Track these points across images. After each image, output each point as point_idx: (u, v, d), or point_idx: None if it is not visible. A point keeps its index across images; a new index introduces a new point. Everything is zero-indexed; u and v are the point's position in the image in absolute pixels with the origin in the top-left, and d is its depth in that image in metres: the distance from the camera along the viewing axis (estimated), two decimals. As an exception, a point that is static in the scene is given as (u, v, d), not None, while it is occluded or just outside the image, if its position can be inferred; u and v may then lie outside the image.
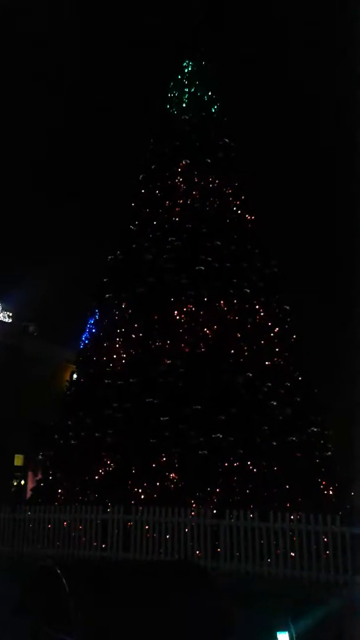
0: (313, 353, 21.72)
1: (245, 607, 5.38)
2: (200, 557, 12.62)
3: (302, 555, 11.84)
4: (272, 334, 18.00)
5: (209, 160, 19.93)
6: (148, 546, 13.35)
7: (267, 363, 17.22)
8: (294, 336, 19.12)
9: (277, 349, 17.79)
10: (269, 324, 18.20)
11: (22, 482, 30.92)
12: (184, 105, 21.47)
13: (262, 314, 18.19)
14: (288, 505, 13.80)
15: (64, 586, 4.50)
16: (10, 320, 33.20)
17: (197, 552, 12.85)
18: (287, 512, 12.35)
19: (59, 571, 4.68)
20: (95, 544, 14.24)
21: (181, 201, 19.16)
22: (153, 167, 20.65)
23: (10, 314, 33.22)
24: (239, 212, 19.71)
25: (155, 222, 19.13)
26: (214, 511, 13.36)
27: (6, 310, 32.98)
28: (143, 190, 20.46)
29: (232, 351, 16.82)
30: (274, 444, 16.02)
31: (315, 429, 17.63)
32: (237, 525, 12.58)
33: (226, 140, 21.02)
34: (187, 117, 20.96)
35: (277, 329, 18.29)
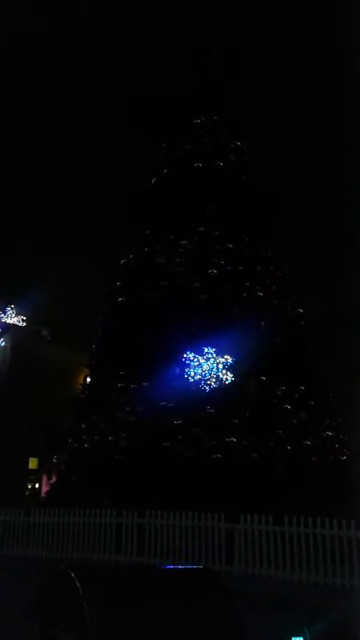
0: (328, 356, 21.62)
1: (259, 611, 5.34)
2: (215, 561, 12.56)
3: (317, 559, 11.73)
4: (286, 338, 17.91)
5: (221, 164, 19.94)
6: (162, 550, 13.30)
7: (280, 366, 17.13)
8: (308, 340, 19.03)
9: (291, 353, 17.70)
10: (283, 327, 18.12)
11: (37, 485, 31.02)
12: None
13: (275, 317, 18.11)
14: (303, 509, 13.69)
15: (77, 590, 4.50)
16: (25, 324, 33.38)
17: (211, 555, 12.79)
18: (302, 516, 12.25)
19: (72, 575, 4.68)
20: (109, 547, 14.22)
21: (193, 205, 19.15)
22: (166, 170, 20.68)
23: (25, 318, 33.41)
24: (251, 215, 19.67)
25: (167, 226, 19.15)
26: (229, 515, 13.29)
27: (20, 315, 33.17)
28: (155, 194, 20.50)
29: (245, 354, 16.75)
30: (288, 448, 15.94)
31: (330, 433, 17.52)
32: (252, 529, 12.50)
33: (238, 143, 21.01)
34: (199, 121, 20.98)
35: (290, 332, 18.21)
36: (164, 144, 21.54)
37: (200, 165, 19.87)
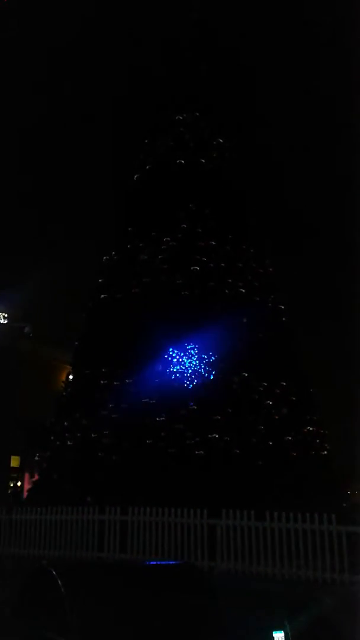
0: (309, 352, 21.80)
1: (241, 606, 5.38)
2: (197, 557, 12.62)
3: (298, 554, 11.84)
4: (267, 334, 18.00)
5: (204, 161, 19.95)
6: (145, 547, 13.34)
7: (262, 363, 17.22)
8: (290, 336, 19.16)
9: (272, 349, 17.79)
10: (265, 323, 18.21)
11: (19, 483, 30.88)
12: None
13: (257, 313, 18.19)
14: (284, 504, 13.80)
15: (59, 588, 4.51)
16: (6, 322, 33.16)
17: (194, 552, 12.85)
18: (284, 511, 12.36)
19: (54, 573, 4.68)
20: (92, 545, 14.21)
21: (176, 202, 19.14)
22: (148, 167, 20.65)
23: (6, 315, 33.19)
24: (234, 212, 19.72)
25: (150, 223, 19.13)
26: (211, 511, 13.35)
27: (1, 312, 32.94)
28: (137, 191, 20.47)
29: (228, 351, 16.82)
30: (270, 443, 16.04)
31: (311, 428, 17.67)
32: (234, 525, 12.58)
33: (220, 140, 21.03)
34: (180, 117, 20.96)
35: (272, 328, 18.31)
36: (145, 140, 21.49)
37: (183, 161, 19.86)
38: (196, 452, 15.24)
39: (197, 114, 21.17)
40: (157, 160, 20.44)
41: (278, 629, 4.79)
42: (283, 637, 4.76)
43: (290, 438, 16.53)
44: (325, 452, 17.95)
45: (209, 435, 15.50)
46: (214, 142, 20.81)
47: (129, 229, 19.74)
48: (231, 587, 9.41)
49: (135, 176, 20.86)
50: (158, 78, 23.13)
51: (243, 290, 18.11)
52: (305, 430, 17.42)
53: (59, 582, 4.52)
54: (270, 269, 19.82)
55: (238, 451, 15.49)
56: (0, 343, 31.40)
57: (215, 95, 22.41)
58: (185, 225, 18.56)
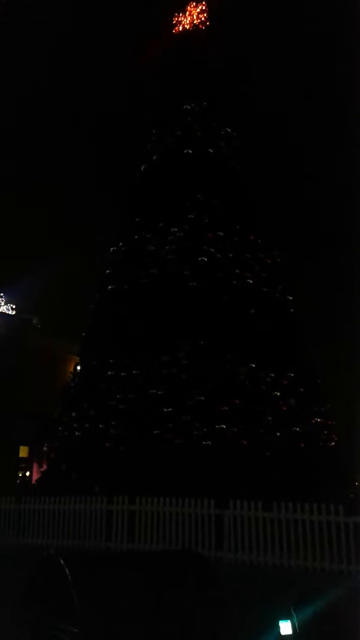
0: (317, 343, 21.74)
1: (248, 596, 5.40)
2: (204, 547, 12.66)
3: (305, 545, 11.85)
4: (275, 325, 17.97)
5: (211, 150, 19.85)
6: (153, 536, 13.39)
7: (270, 354, 17.19)
8: (297, 327, 19.11)
9: (280, 340, 17.76)
10: (272, 314, 18.17)
11: (27, 473, 31.05)
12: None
13: (265, 304, 18.15)
14: (292, 495, 13.81)
15: (67, 576, 4.53)
16: (14, 313, 33.23)
17: (201, 542, 12.89)
18: (291, 502, 12.36)
19: (62, 562, 4.70)
20: (99, 534, 14.28)
21: (183, 192, 19.07)
22: (155, 157, 20.57)
23: (14, 307, 33.25)
24: (242, 202, 19.63)
25: (157, 213, 19.07)
26: (218, 501, 13.37)
27: (9, 303, 33.00)
28: (144, 181, 20.40)
29: (235, 342, 16.80)
30: (278, 434, 16.04)
31: (318, 420, 17.65)
32: (241, 516, 12.60)
33: (228, 129, 20.91)
34: (188, 107, 20.85)
35: (280, 319, 18.27)
36: (153, 130, 21.41)
37: (190, 151, 19.77)
38: (203, 443, 15.26)
39: (205, 103, 21.05)
40: (165, 150, 20.36)
41: (285, 618, 4.80)
42: (290, 627, 4.76)
43: (298, 429, 16.53)
44: (333, 444, 17.94)
45: (217, 426, 15.51)
46: (222, 132, 20.70)
47: (136, 219, 19.69)
48: (238, 576, 9.46)
49: (142, 167, 20.79)
50: (166, 68, 22.99)
51: (251, 282, 18.06)
52: (313, 421, 17.41)
53: (67, 571, 4.54)
54: (278, 260, 19.74)
55: (245, 442, 15.51)
56: (8, 334, 31.47)
57: (222, 85, 22.28)
58: (192, 216, 18.50)
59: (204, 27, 22.97)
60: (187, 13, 23.28)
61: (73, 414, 17.96)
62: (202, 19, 23.11)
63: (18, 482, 29.85)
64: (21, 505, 15.85)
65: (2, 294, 32.94)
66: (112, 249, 20.07)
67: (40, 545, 14.54)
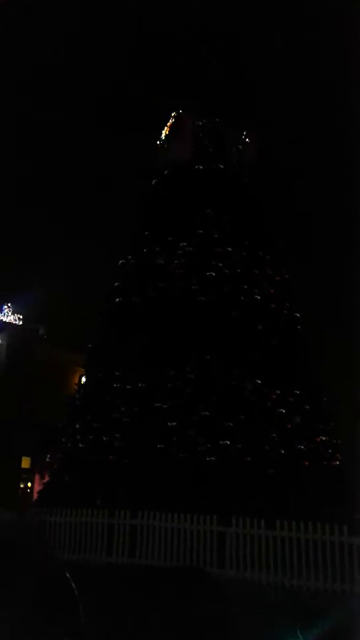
0: (323, 360, 21.67)
1: (253, 615, 5.34)
2: (206, 564, 12.55)
3: (309, 564, 11.74)
4: (282, 341, 17.95)
5: (222, 167, 19.98)
6: (154, 552, 13.30)
7: (276, 370, 17.15)
8: (304, 344, 19.07)
9: (286, 357, 17.73)
10: (279, 330, 18.16)
11: (29, 484, 30.93)
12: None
13: (272, 320, 18.14)
14: (296, 513, 13.71)
15: (72, 590, 4.50)
16: (21, 323, 33.30)
17: (203, 558, 12.78)
18: (295, 520, 12.27)
19: (68, 576, 4.68)
20: (100, 548, 14.19)
21: (193, 207, 19.16)
22: (166, 172, 20.70)
23: (21, 317, 33.32)
24: (251, 218, 19.70)
25: (166, 227, 19.15)
26: (221, 518, 13.29)
27: (17, 313, 33.08)
28: (155, 195, 20.52)
29: (242, 358, 16.77)
30: (282, 452, 15.96)
31: (323, 438, 17.55)
32: (244, 533, 12.51)
33: (240, 147, 21.05)
34: (200, 123, 21.02)
35: (287, 336, 18.25)
36: (165, 145, 21.55)
37: (201, 167, 19.90)
38: (207, 459, 15.19)
39: (217, 119, 21.21)
40: (176, 165, 20.49)
41: (290, 638, 4.75)
42: (296, 648, 4.72)
43: (302, 447, 16.45)
44: (338, 462, 17.82)
45: (221, 442, 15.45)
46: (233, 148, 20.83)
47: (146, 233, 19.76)
48: (241, 595, 9.37)
49: (154, 181, 20.92)
50: (176, 84, 23.19)
51: (258, 297, 18.08)
52: (318, 439, 17.31)
53: (72, 585, 4.51)
54: (287, 276, 19.76)
55: (249, 459, 15.43)
56: (15, 344, 31.53)
57: (235, 102, 22.44)
58: (201, 231, 18.56)
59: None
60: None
61: (77, 425, 17.92)
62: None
63: (20, 493, 29.75)
64: (22, 517, 15.80)
65: (9, 304, 33.03)
66: (120, 261, 20.14)
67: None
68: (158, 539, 13.28)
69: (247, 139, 21.16)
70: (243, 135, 21.32)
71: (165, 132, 21.49)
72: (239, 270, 18.14)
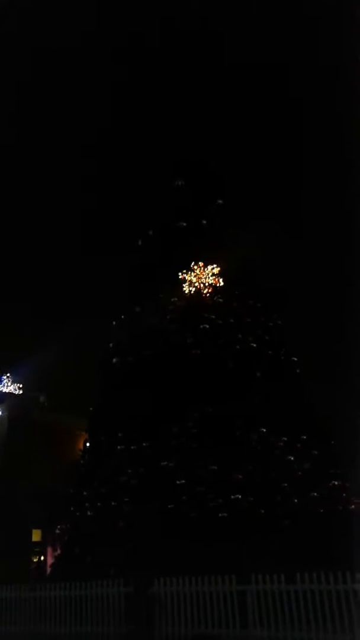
0: (326, 402, 21.49)
1: None
2: (228, 627, 12.10)
3: (333, 617, 11.30)
4: (283, 387, 17.85)
5: (204, 222, 20.40)
6: (174, 619, 12.81)
7: (280, 417, 16.98)
8: (305, 387, 18.98)
9: (289, 402, 17.59)
10: (279, 376, 18.09)
11: (42, 558, 30.08)
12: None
13: (270, 367, 18.10)
14: (314, 563, 13.31)
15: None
16: (21, 392, 33.14)
17: (225, 620, 12.32)
18: (315, 571, 11.88)
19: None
20: (118, 618, 13.67)
21: (179, 263, 19.43)
22: (150, 232, 21.14)
23: (21, 386, 33.19)
24: (238, 269, 19.94)
25: (155, 284, 19.38)
26: (240, 577, 12.88)
27: (16, 383, 32.97)
28: (141, 255, 20.89)
29: (244, 407, 16.64)
30: (295, 500, 15.63)
31: (336, 482, 17.22)
32: (264, 590, 12.09)
33: (220, 201, 21.54)
34: (180, 183, 21.57)
35: (287, 381, 18.17)
36: (148, 207, 22.11)
37: (184, 224, 20.30)
38: (219, 515, 14.85)
39: (197, 177, 21.76)
40: (160, 223, 20.93)
41: None
42: None
43: (315, 494, 16.10)
44: (353, 507, 17.42)
45: (232, 497, 15.15)
46: (215, 203, 21.30)
47: (137, 291, 19.99)
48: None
49: (139, 241, 21.31)
50: (158, 143, 23.91)
51: (254, 345, 18.09)
52: (330, 484, 16.97)
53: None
54: (279, 322, 19.84)
55: (263, 511, 15.09)
56: (16, 413, 31.27)
57: (214, 157, 23.09)
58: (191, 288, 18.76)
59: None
60: None
61: (84, 492, 17.60)
62: None
63: (32, 567, 28.91)
64: (36, 592, 15.31)
65: (8, 375, 32.97)
66: (113, 322, 20.27)
67: (57, 634, 13.95)
68: (177, 605, 12.78)
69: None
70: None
71: None
72: (231, 320, 18.24)
